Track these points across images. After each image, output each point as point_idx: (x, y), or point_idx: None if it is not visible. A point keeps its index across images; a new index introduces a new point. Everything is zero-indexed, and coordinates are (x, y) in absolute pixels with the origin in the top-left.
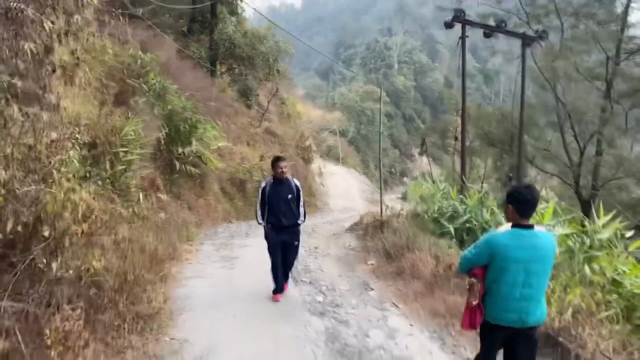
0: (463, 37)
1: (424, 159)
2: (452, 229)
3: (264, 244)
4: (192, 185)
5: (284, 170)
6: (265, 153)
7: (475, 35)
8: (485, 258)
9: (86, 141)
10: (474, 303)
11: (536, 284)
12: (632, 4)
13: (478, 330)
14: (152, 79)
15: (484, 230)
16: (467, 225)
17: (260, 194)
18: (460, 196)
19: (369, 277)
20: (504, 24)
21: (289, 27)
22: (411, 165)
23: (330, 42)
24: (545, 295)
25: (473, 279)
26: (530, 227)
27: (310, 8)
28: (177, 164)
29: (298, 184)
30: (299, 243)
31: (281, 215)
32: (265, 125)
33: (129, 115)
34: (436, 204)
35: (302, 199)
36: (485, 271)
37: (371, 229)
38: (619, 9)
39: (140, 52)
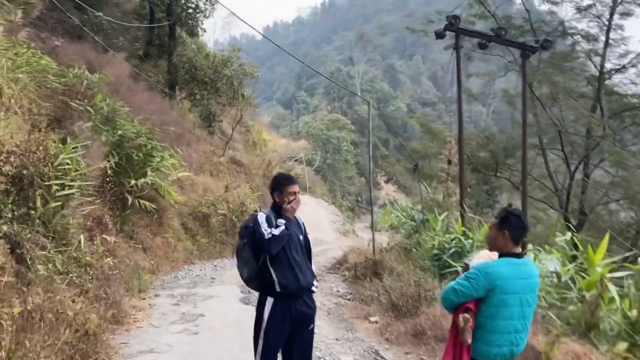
0: (457, 47)
1: (390, 186)
2: (459, 268)
3: (234, 292)
4: (148, 222)
5: (296, 201)
6: (230, 183)
7: (435, 66)
8: (482, 291)
9: (9, 172)
10: (469, 341)
11: (528, 314)
12: (614, 21)
13: None
14: (100, 102)
15: None
16: None
17: (254, 236)
18: (464, 229)
19: (377, 342)
20: (503, 32)
21: (249, 58)
22: (377, 193)
23: (292, 72)
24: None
25: (467, 315)
26: (522, 255)
27: (270, 38)
28: (130, 198)
29: (303, 222)
30: (314, 326)
31: (297, 268)
32: (230, 153)
33: (68, 142)
34: (436, 238)
35: (311, 247)
36: (477, 305)
37: (361, 270)
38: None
39: (86, 72)
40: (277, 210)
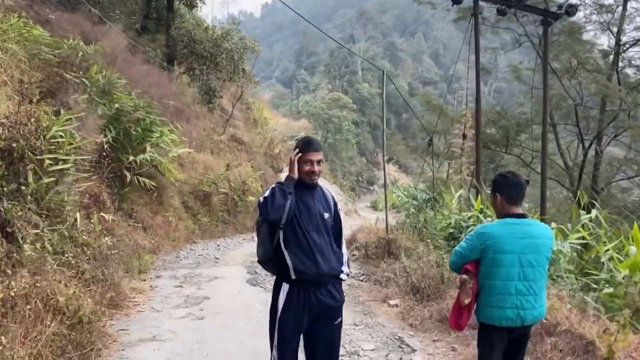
0: (475, 13)
1: (391, 166)
2: None
3: (240, 273)
4: (148, 200)
5: (318, 168)
6: (231, 162)
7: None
8: (477, 252)
9: None
10: (467, 302)
11: (533, 276)
12: None
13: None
14: (96, 74)
15: None
16: None
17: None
18: (481, 206)
19: (400, 328)
20: None
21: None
22: (378, 173)
23: (291, 50)
24: (545, 290)
25: (465, 276)
26: (523, 215)
27: (269, 16)
28: (128, 175)
29: (333, 196)
30: (342, 320)
31: (318, 252)
32: (230, 131)
33: (61, 114)
34: (452, 217)
35: (342, 227)
36: (478, 267)
37: (373, 249)
38: None
39: (81, 44)
40: (299, 183)
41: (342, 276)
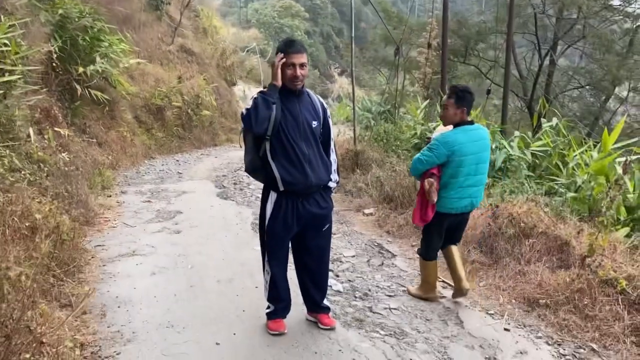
0: None
1: (344, 79)
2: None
3: (208, 187)
4: (100, 115)
5: (302, 72)
6: (183, 74)
7: None
8: (443, 157)
9: None
10: (435, 200)
11: (482, 170)
12: None
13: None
14: None
15: None
16: None
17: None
18: None
19: (377, 235)
20: None
21: None
22: (331, 86)
23: None
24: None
25: (432, 180)
26: (473, 122)
27: None
28: (79, 87)
29: (322, 102)
30: (331, 226)
31: (306, 163)
32: (179, 41)
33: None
34: (417, 127)
35: (332, 136)
36: (440, 170)
37: (341, 162)
38: None
39: None
40: (283, 90)
41: (331, 184)
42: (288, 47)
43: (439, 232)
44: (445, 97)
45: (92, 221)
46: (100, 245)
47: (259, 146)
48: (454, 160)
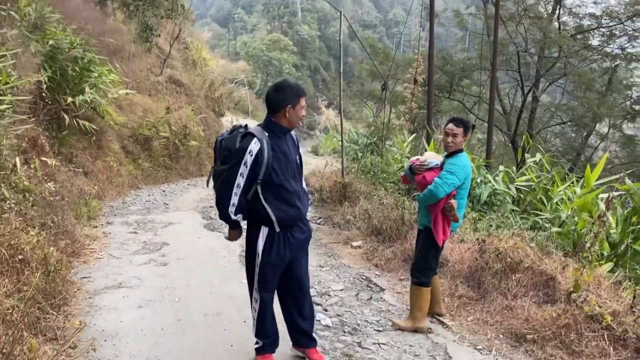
0: None
1: (331, 111)
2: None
3: (195, 218)
4: (87, 144)
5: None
6: (171, 105)
7: None
8: (462, 180)
9: None
10: (459, 219)
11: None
12: None
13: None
14: (25, 6)
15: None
16: None
17: (248, 164)
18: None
19: (366, 268)
20: None
21: None
22: (318, 118)
23: None
24: None
25: (453, 201)
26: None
27: None
28: (67, 117)
29: (294, 134)
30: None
31: (296, 199)
32: (168, 72)
33: None
34: (404, 161)
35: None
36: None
37: (328, 193)
38: None
39: None
40: (277, 131)
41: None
42: (303, 92)
43: (439, 254)
44: (451, 125)
45: (78, 252)
46: (86, 277)
47: (247, 189)
48: (466, 183)
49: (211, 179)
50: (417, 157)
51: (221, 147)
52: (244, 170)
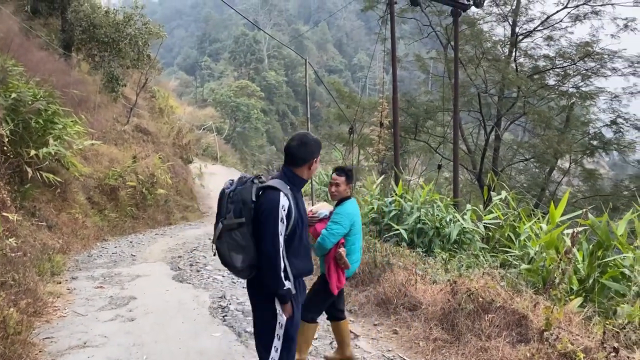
0: (391, 2)
1: None
2: (403, 232)
3: (163, 270)
4: (51, 197)
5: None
6: (138, 153)
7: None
8: (348, 227)
9: None
10: (349, 265)
11: (362, 235)
12: None
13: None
14: None
15: (437, 230)
16: (418, 225)
17: (285, 220)
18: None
19: None
20: None
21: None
22: None
23: (192, 36)
24: None
25: (343, 249)
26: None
27: (168, 0)
28: (29, 170)
29: None
30: None
31: (309, 251)
32: (135, 121)
33: None
34: (374, 202)
35: None
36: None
37: None
38: None
39: None
40: (297, 183)
41: None
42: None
43: (332, 299)
44: (334, 174)
45: (40, 311)
46: (49, 338)
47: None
48: (354, 229)
49: (217, 233)
50: (310, 208)
51: (230, 199)
52: (282, 228)
